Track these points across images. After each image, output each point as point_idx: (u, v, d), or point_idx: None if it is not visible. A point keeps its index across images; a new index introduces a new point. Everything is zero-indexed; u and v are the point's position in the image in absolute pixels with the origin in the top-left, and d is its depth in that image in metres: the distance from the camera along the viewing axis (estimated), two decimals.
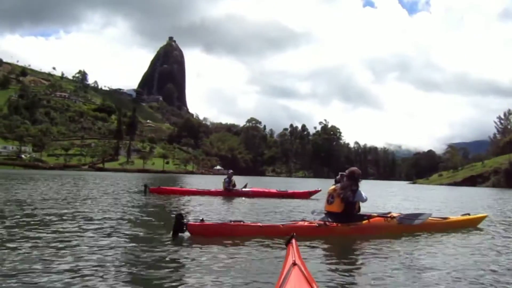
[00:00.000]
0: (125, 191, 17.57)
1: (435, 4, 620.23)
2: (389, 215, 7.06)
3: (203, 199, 14.03)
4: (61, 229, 6.31)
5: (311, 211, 8.39)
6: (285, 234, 5.55)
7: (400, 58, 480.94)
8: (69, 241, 5.40)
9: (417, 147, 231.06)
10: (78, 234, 5.97)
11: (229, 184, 15.84)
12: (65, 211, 8.80)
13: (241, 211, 10.33)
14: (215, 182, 29.60)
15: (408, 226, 6.96)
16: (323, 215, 6.97)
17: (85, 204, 10.67)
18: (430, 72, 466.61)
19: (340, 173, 7.22)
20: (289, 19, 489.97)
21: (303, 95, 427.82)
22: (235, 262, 4.64)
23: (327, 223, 6.56)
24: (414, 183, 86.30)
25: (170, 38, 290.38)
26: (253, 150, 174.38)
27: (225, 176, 16.43)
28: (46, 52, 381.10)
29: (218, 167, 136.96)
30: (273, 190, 17.20)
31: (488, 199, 22.72)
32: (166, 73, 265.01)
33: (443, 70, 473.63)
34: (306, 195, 16.95)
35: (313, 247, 5.71)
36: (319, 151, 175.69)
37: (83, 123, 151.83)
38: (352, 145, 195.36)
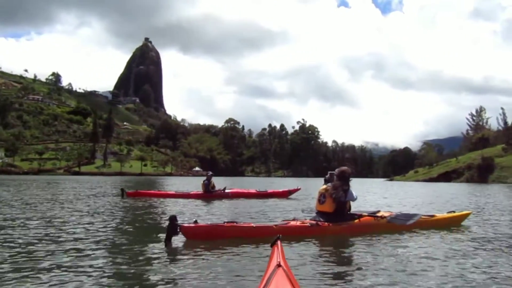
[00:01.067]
0: (102, 195, 17.18)
1: (408, 4, 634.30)
2: (379, 215, 7.14)
3: (182, 202, 13.84)
4: (38, 239, 6.08)
5: (301, 210, 8.44)
6: (278, 234, 5.68)
7: (375, 57, 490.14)
8: (49, 253, 5.15)
9: (393, 144, 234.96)
10: (60, 244, 5.73)
11: (208, 186, 15.69)
12: (40, 219, 8.52)
13: (222, 213, 10.22)
14: (194, 184, 29.38)
15: (397, 225, 7.03)
16: (314, 214, 7.02)
17: (61, 210, 10.35)
18: (405, 71, 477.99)
19: (329, 172, 7.29)
20: (265, 19, 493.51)
21: (281, 95, 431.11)
22: (224, 264, 4.66)
23: (319, 223, 6.60)
24: (391, 180, 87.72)
25: (146, 39, 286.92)
26: (232, 151, 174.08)
27: (204, 178, 16.26)
28: (17, 53, 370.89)
29: (197, 168, 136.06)
30: (253, 191, 17.16)
31: (466, 195, 23.21)
32: (143, 74, 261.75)
33: (417, 68, 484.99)
34: (286, 194, 16.98)
35: (303, 247, 5.73)
36: (297, 150, 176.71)
37: (58, 126, 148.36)
38: (330, 143, 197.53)
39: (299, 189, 17.97)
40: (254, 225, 6.48)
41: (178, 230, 5.90)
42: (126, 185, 28.48)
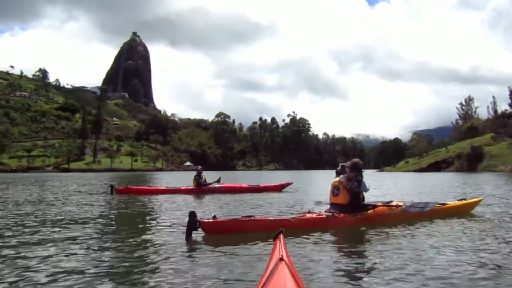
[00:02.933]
0: (90, 192, 16.85)
1: None
2: (394, 204, 7.28)
3: (174, 197, 13.58)
4: (36, 238, 5.80)
5: (314, 202, 8.55)
6: (295, 227, 6.22)
7: (363, 49, 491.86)
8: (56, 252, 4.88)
9: (384, 135, 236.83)
10: (64, 243, 5.43)
11: (200, 181, 15.46)
12: (31, 218, 8.23)
13: (216, 208, 10.00)
14: (185, 179, 29.11)
15: (411, 214, 7.14)
16: (328, 207, 7.15)
17: (51, 207, 10.05)
18: (393, 62, 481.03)
19: (341, 164, 7.57)
20: (254, 12, 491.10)
21: (270, 88, 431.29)
22: (236, 257, 4.72)
23: (335, 214, 6.70)
24: (381, 171, 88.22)
25: (134, 33, 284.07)
26: (222, 145, 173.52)
27: (195, 173, 16.02)
28: (1, 49, 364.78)
29: (188, 163, 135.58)
30: (245, 185, 17.01)
31: (461, 183, 23.26)
32: (131, 69, 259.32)
33: (404, 60, 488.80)
34: (278, 189, 16.82)
35: (311, 240, 5.72)
36: (288, 143, 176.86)
37: (46, 123, 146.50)
38: (320, 136, 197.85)
39: (291, 183, 17.88)
40: (272, 219, 6.55)
41: (198, 225, 6.03)
42: (116, 181, 28.13)
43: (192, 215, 6.00)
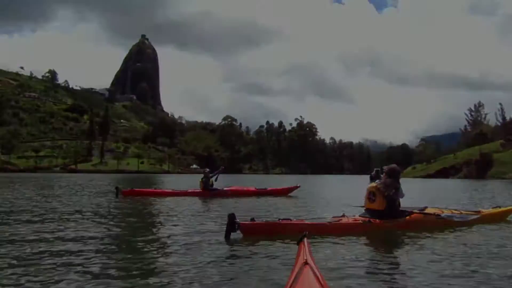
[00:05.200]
0: (95, 194, 16.83)
1: None
2: (432, 212, 7.25)
3: (181, 200, 13.49)
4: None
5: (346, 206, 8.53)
6: (332, 231, 6.33)
7: (371, 54, 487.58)
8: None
9: (392, 141, 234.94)
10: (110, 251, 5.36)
11: (207, 184, 15.36)
12: (43, 220, 8.17)
13: (224, 212, 9.88)
14: (192, 181, 29.04)
15: (447, 221, 7.12)
16: (363, 212, 7.13)
17: (61, 207, 10.01)
18: (401, 67, 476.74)
19: (375, 169, 7.52)
20: (262, 16, 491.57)
21: (278, 92, 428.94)
22: (269, 259, 4.77)
23: (371, 220, 6.69)
24: None
25: (143, 36, 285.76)
26: (229, 148, 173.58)
27: (202, 176, 15.92)
28: (12, 50, 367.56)
29: (195, 166, 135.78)
30: (252, 188, 16.91)
31: (476, 190, 22.97)
32: (140, 71, 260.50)
33: (413, 65, 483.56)
34: (285, 192, 16.70)
35: (339, 245, 5.67)
36: (295, 148, 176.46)
37: (54, 123, 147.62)
38: (327, 140, 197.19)
39: (299, 186, 17.72)
40: (309, 222, 6.63)
41: (237, 227, 6.14)
42: (123, 183, 28.14)
43: (231, 217, 6.12)
